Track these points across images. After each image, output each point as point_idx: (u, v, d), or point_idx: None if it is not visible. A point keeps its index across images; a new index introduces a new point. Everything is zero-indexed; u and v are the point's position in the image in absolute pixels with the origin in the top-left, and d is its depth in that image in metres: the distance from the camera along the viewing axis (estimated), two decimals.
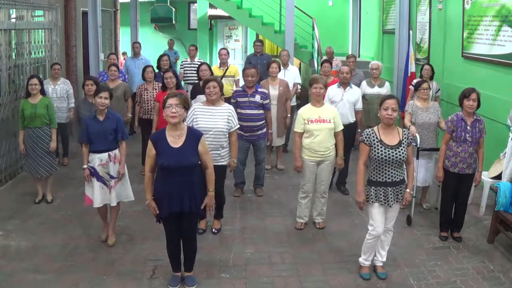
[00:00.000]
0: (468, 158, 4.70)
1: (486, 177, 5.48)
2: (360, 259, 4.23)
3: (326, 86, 4.97)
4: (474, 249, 4.71)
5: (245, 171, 6.14)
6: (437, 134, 5.54)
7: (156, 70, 7.33)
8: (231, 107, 4.93)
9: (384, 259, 4.23)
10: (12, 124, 6.56)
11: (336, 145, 4.99)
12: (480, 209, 5.54)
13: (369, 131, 4.01)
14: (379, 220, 4.04)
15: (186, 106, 3.81)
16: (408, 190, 4.08)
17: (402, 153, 3.92)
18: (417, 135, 5.23)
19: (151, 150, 3.77)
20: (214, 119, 4.69)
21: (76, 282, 4.08)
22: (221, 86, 4.85)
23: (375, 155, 3.94)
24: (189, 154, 3.73)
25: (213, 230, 5.04)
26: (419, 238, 4.94)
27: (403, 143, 3.95)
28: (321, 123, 4.87)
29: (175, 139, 3.74)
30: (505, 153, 5.14)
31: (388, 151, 3.90)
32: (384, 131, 3.98)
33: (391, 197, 3.97)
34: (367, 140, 3.98)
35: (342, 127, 5.01)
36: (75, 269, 4.29)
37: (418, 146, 5.23)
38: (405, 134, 3.99)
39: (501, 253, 4.62)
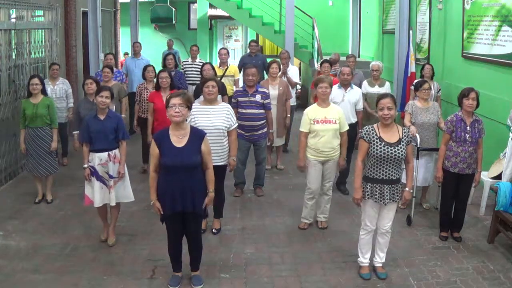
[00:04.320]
0: (468, 158, 4.70)
1: (486, 177, 5.48)
2: (359, 259, 4.24)
3: (331, 86, 4.99)
4: (474, 249, 4.71)
5: (245, 171, 6.14)
6: (436, 134, 5.54)
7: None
8: (229, 105, 4.94)
9: (383, 260, 4.23)
10: (12, 124, 6.56)
11: (340, 145, 4.99)
12: (480, 209, 5.54)
13: (369, 128, 4.02)
14: (372, 216, 4.08)
15: (190, 106, 3.82)
16: (407, 189, 4.09)
17: (401, 151, 3.92)
18: (417, 135, 5.23)
19: (154, 149, 3.77)
20: (212, 118, 4.69)
21: (76, 282, 4.08)
22: (219, 86, 4.85)
23: (374, 152, 3.94)
24: (192, 153, 3.73)
25: (213, 230, 5.04)
26: (419, 238, 4.94)
27: (403, 141, 3.95)
28: (327, 123, 4.87)
29: (179, 139, 3.75)
30: (505, 153, 5.14)
31: (387, 148, 3.91)
32: (383, 129, 3.99)
33: (387, 195, 3.98)
34: (367, 137, 3.99)
35: (347, 128, 5.02)
36: (75, 269, 4.28)
37: (418, 146, 5.24)
38: (405, 132, 4.00)
39: (501, 253, 4.62)
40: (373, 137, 3.96)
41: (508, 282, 4.11)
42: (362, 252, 4.21)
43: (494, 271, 4.28)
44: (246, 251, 4.66)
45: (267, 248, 4.72)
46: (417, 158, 5.24)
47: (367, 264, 4.22)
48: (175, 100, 3.70)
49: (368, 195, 4.03)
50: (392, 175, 3.97)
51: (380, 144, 3.93)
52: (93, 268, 4.30)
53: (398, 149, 3.92)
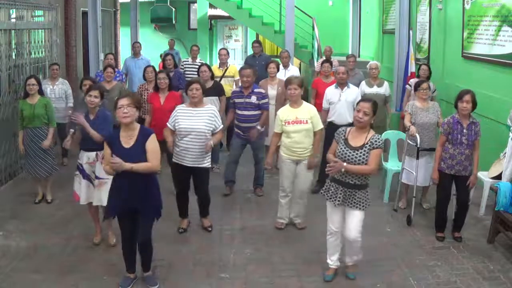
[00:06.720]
0: (464, 161, 4.70)
1: (486, 177, 5.48)
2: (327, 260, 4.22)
3: (300, 86, 4.94)
4: (474, 249, 4.71)
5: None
6: (436, 134, 5.54)
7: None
8: (214, 107, 4.98)
9: (351, 264, 4.17)
10: (12, 124, 6.56)
11: (312, 144, 4.98)
12: (480, 209, 5.54)
13: (342, 129, 4.03)
14: (333, 219, 4.06)
15: (138, 106, 3.83)
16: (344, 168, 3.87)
17: (361, 156, 3.83)
18: (417, 135, 5.23)
19: (106, 149, 3.82)
20: (195, 120, 4.73)
21: (76, 282, 4.09)
22: (204, 89, 4.88)
23: (337, 152, 3.96)
24: (138, 154, 3.72)
25: (208, 228, 5.06)
26: (419, 238, 4.94)
27: (366, 147, 3.85)
28: (298, 124, 4.87)
29: (127, 139, 3.77)
30: (505, 153, 5.14)
31: (348, 151, 3.88)
32: (354, 132, 3.95)
33: (340, 197, 3.92)
34: (336, 136, 4.02)
35: (321, 127, 5.00)
36: (75, 269, 4.29)
37: (418, 146, 5.23)
38: (372, 139, 3.86)
39: (501, 253, 4.62)
40: (341, 138, 3.97)
41: (508, 282, 4.11)
42: (329, 254, 4.18)
43: (494, 271, 4.29)
44: (246, 251, 4.66)
45: (267, 248, 4.72)
46: (417, 158, 5.25)
47: (333, 266, 4.18)
48: (123, 101, 3.72)
49: (325, 192, 4.05)
50: (348, 178, 3.89)
51: (343, 146, 3.92)
52: (93, 268, 4.30)
53: (358, 154, 3.85)
